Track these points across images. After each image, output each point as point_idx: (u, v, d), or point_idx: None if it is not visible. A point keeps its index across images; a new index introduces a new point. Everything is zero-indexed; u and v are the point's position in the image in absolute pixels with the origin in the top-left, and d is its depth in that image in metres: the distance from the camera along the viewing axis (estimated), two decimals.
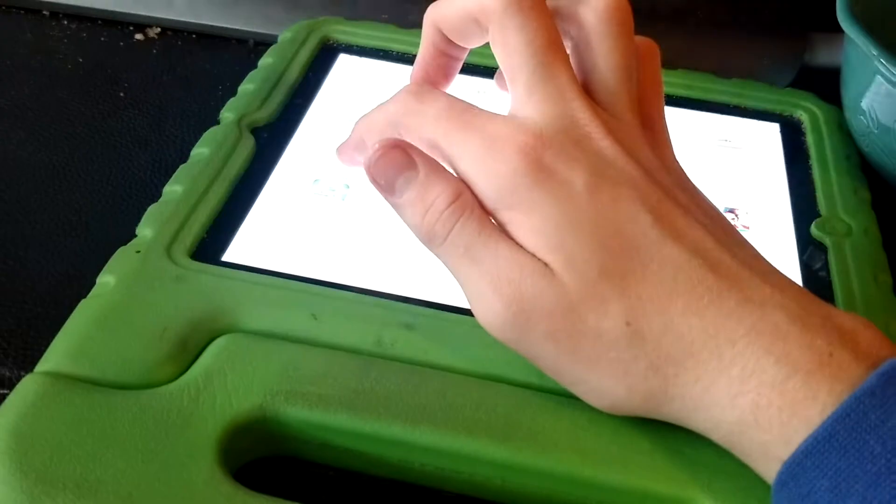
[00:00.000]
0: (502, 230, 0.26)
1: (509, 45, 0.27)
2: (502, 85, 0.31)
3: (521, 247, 0.25)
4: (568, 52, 0.28)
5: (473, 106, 0.27)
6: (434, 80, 0.31)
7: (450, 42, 0.30)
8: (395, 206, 0.27)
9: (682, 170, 0.29)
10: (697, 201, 0.27)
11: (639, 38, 0.30)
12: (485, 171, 0.26)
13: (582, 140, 0.26)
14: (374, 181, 0.27)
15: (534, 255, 0.25)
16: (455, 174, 0.27)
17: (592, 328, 0.25)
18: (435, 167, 0.27)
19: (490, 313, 0.25)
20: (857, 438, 0.21)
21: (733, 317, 0.24)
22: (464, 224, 0.26)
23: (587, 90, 0.28)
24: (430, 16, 0.30)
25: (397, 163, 0.27)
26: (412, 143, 0.27)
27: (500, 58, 0.27)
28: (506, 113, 0.27)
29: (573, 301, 0.25)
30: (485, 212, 0.26)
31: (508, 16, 0.27)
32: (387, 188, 0.27)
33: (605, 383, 0.25)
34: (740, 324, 0.24)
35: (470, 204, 0.26)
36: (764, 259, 0.27)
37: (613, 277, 0.24)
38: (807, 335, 0.23)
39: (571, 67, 0.27)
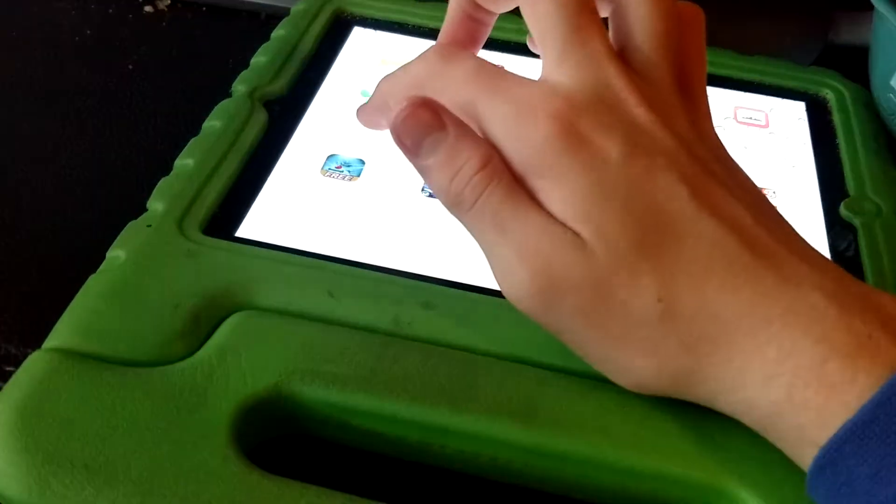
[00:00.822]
0: (532, 199, 0.25)
1: (540, 9, 0.26)
2: (533, 45, 0.30)
3: (552, 216, 0.24)
4: (605, 15, 0.27)
5: (503, 69, 0.26)
6: (462, 46, 0.30)
7: (478, 6, 0.29)
8: (420, 168, 0.26)
9: (721, 142, 0.28)
10: (735, 176, 0.26)
11: (683, 4, 0.28)
12: (515, 136, 0.25)
13: (617, 107, 0.25)
14: (400, 141, 0.26)
15: (564, 225, 0.24)
16: (485, 137, 0.25)
17: (623, 304, 0.24)
18: (465, 130, 0.25)
19: (516, 284, 0.24)
20: None
21: (770, 296, 0.23)
22: (493, 191, 0.25)
23: (624, 57, 0.27)
24: None
25: (425, 123, 0.25)
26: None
27: (531, 22, 0.26)
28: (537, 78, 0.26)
29: (603, 275, 0.24)
30: (514, 179, 0.25)
31: None
32: (413, 149, 0.26)
33: (633, 361, 0.24)
34: (777, 303, 0.23)
35: (500, 170, 0.25)
36: (801, 238, 0.26)
37: (646, 252, 0.24)
38: (845, 316, 0.22)
39: (605, 32, 0.26)
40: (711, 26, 0.29)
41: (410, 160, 0.26)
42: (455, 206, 0.25)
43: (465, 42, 0.30)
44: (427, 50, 0.27)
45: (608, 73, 0.25)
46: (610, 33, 0.27)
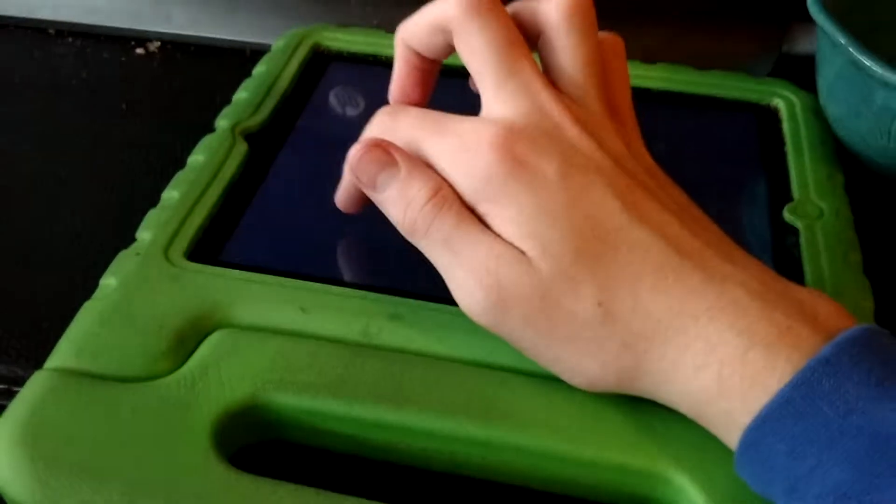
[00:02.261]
0: (482, 222, 0.27)
1: (473, 48, 0.28)
2: (474, 86, 0.33)
3: (499, 237, 0.27)
4: (535, 51, 0.30)
5: (445, 113, 0.29)
6: (412, 95, 0.32)
7: (421, 57, 0.31)
8: (377, 201, 0.29)
9: (650, 157, 0.30)
10: (664, 186, 0.29)
11: (603, 34, 0.31)
12: (461, 167, 0.27)
13: (552, 130, 0.27)
14: (357, 178, 0.29)
15: (510, 244, 0.26)
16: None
17: (567, 310, 0.26)
18: (415, 164, 0.28)
19: (471, 301, 0.27)
20: (812, 404, 0.22)
21: (696, 293, 0.25)
22: (443, 217, 0.27)
23: (556, 84, 0.29)
24: (400, 34, 0.31)
25: (379, 160, 0.28)
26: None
27: (467, 62, 0.29)
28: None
29: (547, 285, 0.26)
30: (463, 205, 0.27)
31: (468, 20, 0.28)
32: (369, 185, 0.29)
33: (581, 362, 0.26)
34: (703, 300, 0.25)
35: (449, 198, 0.27)
36: (729, 240, 0.28)
37: (586, 261, 0.26)
38: (766, 309, 0.25)
39: (534, 62, 0.28)
40: (669, 42, 0.31)
41: (369, 194, 0.29)
42: (411, 233, 0.28)
43: (415, 92, 0.32)
44: (377, 112, 0.30)
45: (542, 99, 0.28)
46: (542, 63, 0.30)
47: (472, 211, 0.27)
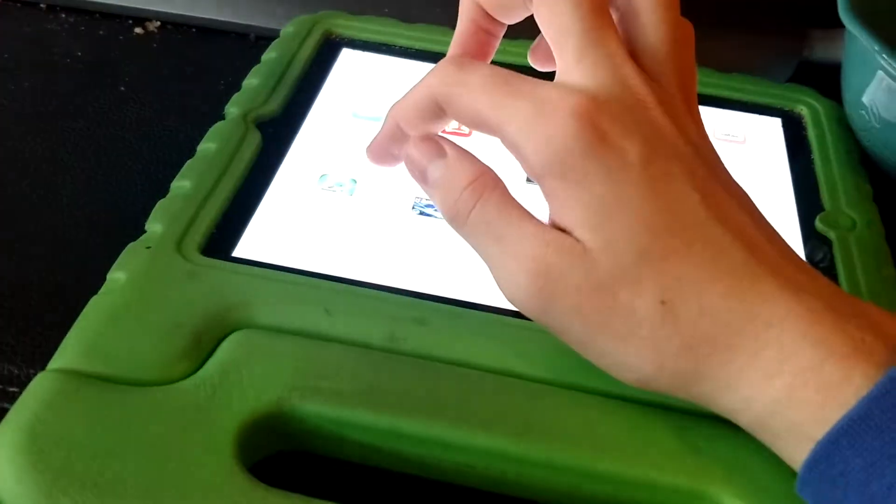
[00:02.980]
0: (525, 210, 0.26)
1: (555, 11, 0.26)
2: (536, 60, 0.31)
3: (547, 226, 0.25)
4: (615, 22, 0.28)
5: (519, 74, 0.26)
6: (473, 57, 0.30)
7: (489, 17, 0.29)
8: (428, 193, 0.28)
9: (716, 150, 0.28)
10: (733, 183, 0.27)
11: (683, 20, 0.29)
12: (535, 135, 0.25)
13: (635, 108, 0.26)
14: (411, 172, 0.28)
15: (563, 231, 0.25)
16: (503, 143, 0.26)
17: (624, 305, 0.24)
18: (462, 153, 0.27)
19: (514, 287, 0.25)
20: (893, 419, 0.22)
21: (771, 301, 0.24)
22: (485, 202, 0.26)
23: (636, 59, 0.27)
24: None
25: (428, 151, 0.27)
26: (456, 115, 0.27)
27: (545, 24, 0.27)
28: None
29: (604, 278, 0.24)
30: (507, 192, 0.26)
31: None
32: (420, 176, 0.28)
33: (633, 360, 0.25)
34: (778, 308, 0.24)
35: (492, 183, 0.26)
36: (792, 248, 0.27)
37: (652, 259, 0.24)
38: (840, 321, 0.24)
39: (618, 34, 0.27)
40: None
41: (421, 187, 0.28)
42: (452, 219, 0.27)
43: (476, 54, 0.30)
44: (440, 62, 0.27)
45: (626, 74, 0.26)
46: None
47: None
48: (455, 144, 0.27)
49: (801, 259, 0.26)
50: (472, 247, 0.27)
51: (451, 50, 0.30)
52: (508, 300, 0.26)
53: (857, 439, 0.22)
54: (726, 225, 0.25)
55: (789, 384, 0.23)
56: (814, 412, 0.23)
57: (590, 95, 0.25)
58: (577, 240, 0.25)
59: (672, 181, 0.25)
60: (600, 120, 0.25)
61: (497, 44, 0.31)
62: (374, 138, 0.29)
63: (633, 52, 0.27)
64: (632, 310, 0.24)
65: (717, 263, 0.24)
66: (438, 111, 0.27)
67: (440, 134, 0.28)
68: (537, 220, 0.25)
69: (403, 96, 0.28)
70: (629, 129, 0.25)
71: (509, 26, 0.30)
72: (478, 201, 0.26)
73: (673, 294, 0.24)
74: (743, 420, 0.25)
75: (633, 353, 0.25)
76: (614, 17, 0.28)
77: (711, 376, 0.24)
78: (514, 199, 0.26)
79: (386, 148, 0.29)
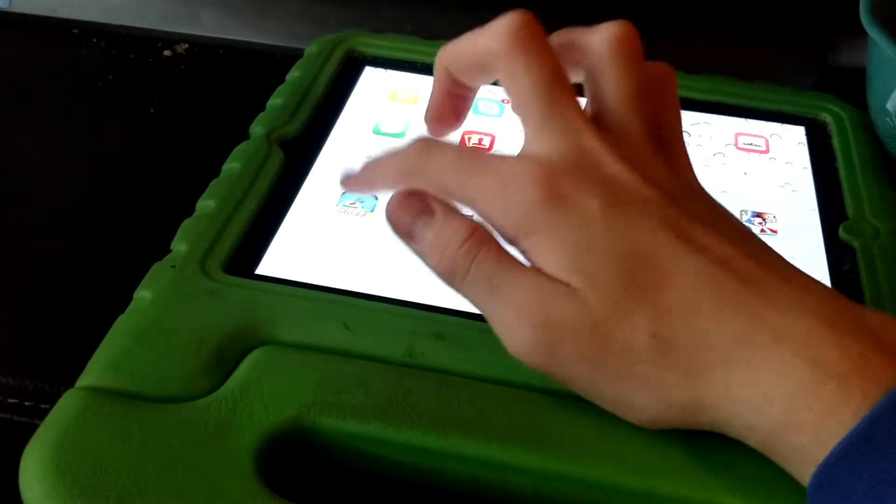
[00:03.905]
0: (522, 258, 0.26)
1: (517, 86, 0.28)
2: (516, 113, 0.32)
3: (542, 273, 0.26)
4: (581, 80, 0.29)
5: (482, 151, 0.28)
6: (447, 120, 0.32)
7: (460, 83, 0.31)
8: (417, 252, 0.28)
9: (700, 185, 0.29)
10: (716, 212, 0.28)
11: (654, 64, 0.30)
12: (503, 205, 0.26)
13: (594, 168, 0.27)
14: (396, 229, 0.28)
15: (555, 279, 0.25)
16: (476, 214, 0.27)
17: (619, 343, 0.25)
18: (451, 210, 0.28)
19: (518, 340, 0.26)
20: (892, 441, 0.21)
21: (760, 320, 0.24)
22: (483, 258, 0.26)
23: (600, 117, 0.28)
24: (441, 59, 0.30)
25: (414, 209, 0.28)
26: (428, 190, 0.28)
27: (511, 96, 0.28)
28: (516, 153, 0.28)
29: (598, 318, 0.25)
30: (500, 245, 0.27)
31: (513, 57, 0.27)
32: (406, 234, 0.28)
33: (639, 398, 0.25)
34: (767, 327, 0.24)
35: (487, 238, 0.27)
36: (789, 263, 0.27)
37: (637, 291, 0.25)
38: (837, 338, 0.23)
39: (576, 101, 0.28)
40: (713, 54, 0.30)
41: (407, 246, 0.28)
42: (450, 277, 0.27)
43: (450, 117, 0.32)
44: (409, 143, 0.28)
45: (583, 138, 0.27)
46: (587, 93, 0.29)
47: (515, 247, 0.27)
48: (441, 202, 0.28)
49: (799, 273, 0.26)
50: (470, 301, 0.27)
51: (427, 114, 0.32)
52: (512, 353, 0.26)
53: (856, 462, 0.22)
54: (702, 253, 0.25)
55: (787, 408, 0.23)
56: (814, 434, 0.23)
57: (549, 163, 0.26)
58: (568, 284, 0.25)
59: (638, 224, 0.26)
60: (560, 184, 0.26)
61: (470, 105, 0.32)
62: (351, 178, 0.30)
63: (598, 111, 0.29)
64: (627, 347, 0.25)
65: (698, 290, 0.25)
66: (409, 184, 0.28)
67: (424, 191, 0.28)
68: (533, 270, 0.26)
69: (378, 158, 0.29)
70: (588, 188, 0.26)
71: None
72: (474, 259, 0.26)
73: (661, 326, 0.25)
74: (752, 444, 0.25)
75: (637, 391, 0.25)
76: (580, 76, 0.30)
77: (713, 405, 0.25)
78: (506, 251, 0.27)
79: (360, 189, 0.32)
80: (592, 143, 0.27)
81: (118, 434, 0.25)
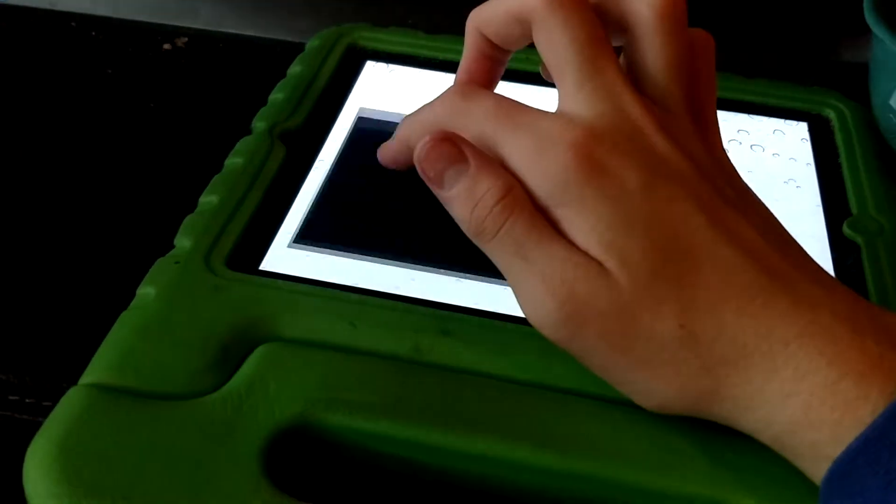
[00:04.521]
0: (555, 229, 0.26)
1: (554, 42, 0.27)
2: (546, 74, 0.31)
3: (575, 246, 0.25)
4: (618, 45, 0.28)
5: (522, 104, 0.27)
6: (479, 84, 0.30)
7: (493, 45, 0.30)
8: (443, 199, 0.27)
9: (733, 166, 0.28)
10: (747, 199, 0.27)
11: (693, 30, 0.29)
12: (536, 168, 0.26)
13: (634, 135, 0.26)
14: (424, 173, 0.27)
15: (587, 254, 0.25)
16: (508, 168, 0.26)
17: (646, 329, 0.24)
18: (486, 161, 0.26)
19: (542, 312, 0.25)
20: None
21: (786, 318, 0.24)
22: (515, 221, 0.25)
23: (639, 85, 0.27)
24: (473, 20, 0.29)
25: (448, 155, 0.26)
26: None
27: (546, 55, 0.27)
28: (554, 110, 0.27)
29: (627, 302, 0.24)
30: (536, 209, 0.26)
31: (551, 13, 0.27)
32: (436, 181, 0.27)
33: (655, 384, 0.25)
34: (793, 325, 0.24)
35: (521, 200, 0.26)
36: (811, 259, 0.27)
37: (668, 279, 0.24)
38: (858, 337, 0.23)
39: (618, 62, 0.27)
40: (717, 50, 0.30)
41: (434, 192, 0.27)
42: (478, 235, 0.26)
43: (482, 80, 0.31)
44: (446, 90, 0.28)
45: (624, 102, 0.26)
46: (624, 60, 0.28)
47: (545, 215, 0.26)
48: (477, 150, 0.27)
49: (819, 270, 0.26)
50: (496, 263, 0.26)
51: (458, 76, 0.31)
52: (532, 323, 0.26)
53: (873, 458, 0.22)
54: (735, 243, 0.25)
55: (806, 403, 0.23)
56: (831, 431, 0.23)
57: (587, 127, 0.25)
58: (600, 263, 0.25)
59: (675, 204, 0.25)
60: (598, 151, 0.25)
61: (503, 69, 0.31)
62: (386, 144, 0.30)
63: (637, 78, 0.28)
64: (653, 334, 0.24)
65: (728, 283, 0.24)
66: None
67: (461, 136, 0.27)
68: (566, 242, 0.25)
69: (413, 113, 0.28)
70: (627, 158, 0.25)
71: None
72: (507, 219, 0.25)
73: (690, 316, 0.24)
74: (764, 439, 0.25)
75: (655, 377, 0.25)
76: (619, 41, 0.29)
77: (731, 397, 0.24)
78: (542, 217, 0.26)
79: (396, 155, 0.30)
80: (634, 108, 0.26)
81: (123, 431, 0.25)
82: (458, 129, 0.27)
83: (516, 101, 0.27)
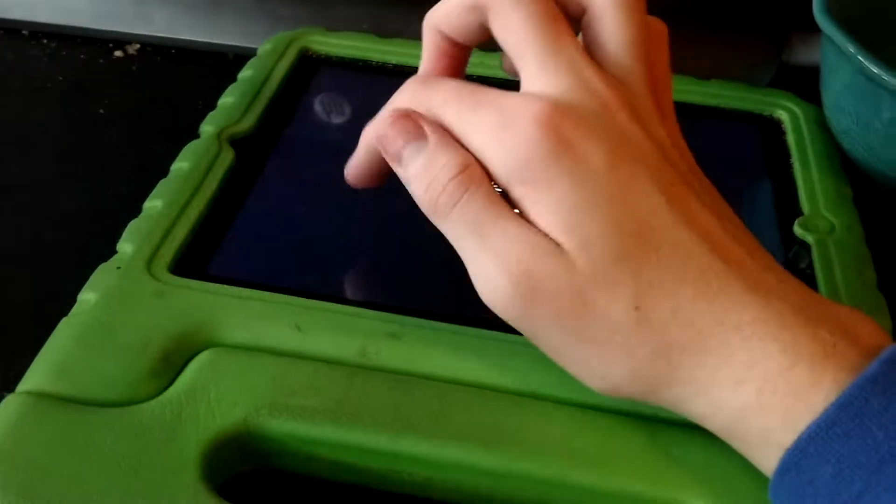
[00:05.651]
0: (513, 207, 0.25)
1: (511, 25, 0.26)
2: (510, 68, 0.31)
3: (532, 225, 0.25)
4: (579, 26, 0.28)
5: (482, 86, 0.26)
6: None
7: (452, 42, 0.29)
8: (402, 177, 0.27)
9: (689, 152, 0.28)
10: (704, 185, 0.27)
11: (649, 17, 0.29)
12: (499, 143, 0.25)
13: (599, 111, 0.25)
14: (384, 150, 0.27)
15: (545, 234, 0.24)
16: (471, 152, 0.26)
17: (601, 311, 0.24)
18: (445, 138, 0.26)
19: (495, 290, 0.25)
20: (860, 425, 0.21)
21: (741, 304, 0.24)
22: (470, 197, 0.25)
23: (600, 63, 0.27)
24: (430, 19, 0.29)
25: (407, 131, 0.26)
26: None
27: (505, 39, 0.27)
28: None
29: (583, 283, 0.24)
30: (493, 188, 0.25)
31: None
32: (394, 157, 0.26)
33: (608, 366, 0.25)
34: (747, 311, 0.24)
35: (478, 177, 0.25)
36: (765, 250, 0.26)
37: (627, 262, 0.24)
38: (810, 325, 0.23)
39: (577, 39, 0.27)
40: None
41: (395, 169, 0.27)
42: (433, 212, 0.26)
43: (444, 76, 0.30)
44: (408, 80, 0.27)
45: (588, 77, 0.26)
46: (585, 40, 0.28)
47: (504, 194, 0.25)
48: (437, 127, 0.26)
49: (773, 261, 0.26)
50: (451, 240, 0.26)
51: (420, 73, 0.30)
52: (485, 301, 0.25)
53: (824, 446, 0.22)
54: (693, 227, 0.25)
55: (758, 389, 0.23)
56: (783, 418, 0.23)
57: (552, 101, 0.25)
58: (558, 243, 0.24)
59: (637, 184, 0.25)
60: (563, 125, 0.25)
61: (464, 68, 0.30)
62: (352, 161, 0.29)
63: (599, 58, 0.27)
64: (607, 315, 0.24)
65: (685, 267, 0.24)
66: None
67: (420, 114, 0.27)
68: (522, 220, 0.25)
69: (375, 118, 0.28)
70: (592, 134, 0.25)
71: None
72: (463, 195, 0.25)
73: (645, 299, 0.24)
74: (713, 426, 0.25)
75: (607, 359, 0.25)
76: (578, 21, 0.28)
77: (681, 381, 0.24)
78: (498, 195, 0.25)
79: (365, 169, 0.29)
80: (599, 85, 0.26)
81: (59, 440, 0.25)
82: (421, 110, 0.26)
83: (478, 84, 0.26)
